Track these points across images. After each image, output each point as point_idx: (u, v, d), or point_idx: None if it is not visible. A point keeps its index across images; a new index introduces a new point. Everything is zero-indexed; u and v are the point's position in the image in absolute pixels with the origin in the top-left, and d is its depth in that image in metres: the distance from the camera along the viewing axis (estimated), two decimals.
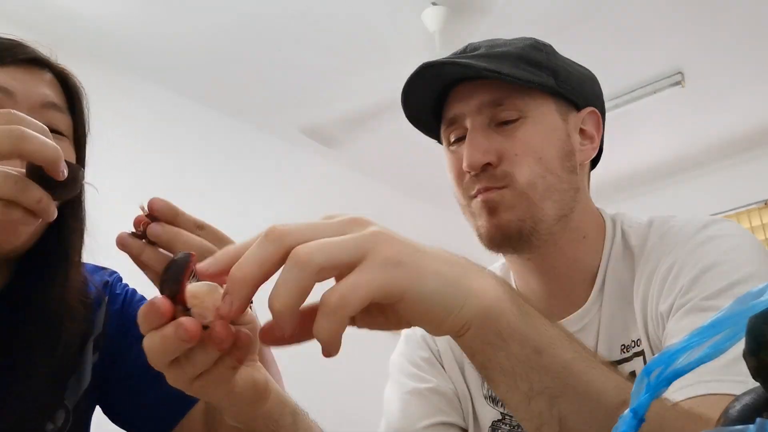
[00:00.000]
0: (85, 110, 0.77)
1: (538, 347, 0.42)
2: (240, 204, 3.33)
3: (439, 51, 2.63)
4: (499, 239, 0.74)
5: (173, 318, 0.40)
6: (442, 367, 0.85)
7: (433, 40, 2.68)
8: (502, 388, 0.44)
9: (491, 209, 0.74)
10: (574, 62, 0.82)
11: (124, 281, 0.85)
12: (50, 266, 0.71)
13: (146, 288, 0.90)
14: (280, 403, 0.56)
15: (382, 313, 0.41)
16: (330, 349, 0.37)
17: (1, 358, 0.67)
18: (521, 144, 0.74)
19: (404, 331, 0.92)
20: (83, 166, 0.77)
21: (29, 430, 0.68)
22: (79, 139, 0.75)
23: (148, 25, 2.74)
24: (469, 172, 0.75)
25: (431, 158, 3.24)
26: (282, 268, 0.36)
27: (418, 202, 4.42)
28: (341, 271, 0.37)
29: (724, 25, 2.92)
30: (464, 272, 0.42)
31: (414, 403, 0.82)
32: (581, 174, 0.80)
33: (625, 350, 0.74)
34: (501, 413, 0.80)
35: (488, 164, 0.73)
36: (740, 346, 0.25)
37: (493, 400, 0.81)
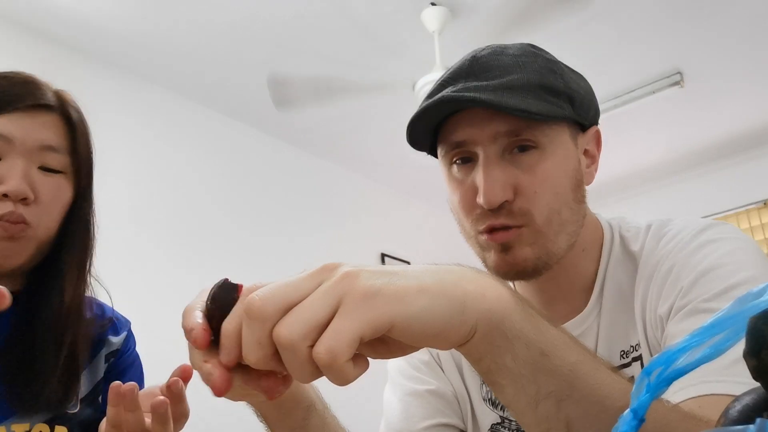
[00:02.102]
0: (91, 147, 0.86)
1: (544, 349, 0.42)
2: (239, 205, 3.33)
3: (439, 51, 2.64)
4: (512, 275, 0.73)
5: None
6: (441, 369, 0.85)
7: (433, 40, 2.69)
8: (508, 392, 0.43)
9: (505, 247, 0.71)
10: (574, 73, 0.78)
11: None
12: (56, 277, 0.83)
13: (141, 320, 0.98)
14: (294, 397, 0.56)
15: (384, 342, 0.40)
16: (358, 376, 0.38)
17: (19, 357, 0.78)
18: (540, 180, 0.70)
19: None
20: (87, 197, 0.87)
21: (48, 417, 0.79)
22: (79, 174, 0.84)
23: (146, 25, 2.74)
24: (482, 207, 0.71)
25: (429, 159, 3.23)
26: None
27: (421, 203, 4.42)
28: (327, 324, 0.36)
29: (723, 26, 2.92)
30: (456, 279, 0.40)
31: (413, 404, 0.82)
32: (585, 197, 0.78)
33: (624, 356, 0.74)
34: (500, 416, 0.80)
35: (505, 200, 0.70)
36: (742, 346, 0.25)
37: (493, 403, 0.81)
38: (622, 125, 3.63)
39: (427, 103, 0.71)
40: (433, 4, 2.67)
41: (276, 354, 0.37)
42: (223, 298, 0.41)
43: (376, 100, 3.04)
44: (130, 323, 0.97)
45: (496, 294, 0.41)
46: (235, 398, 0.50)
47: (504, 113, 0.69)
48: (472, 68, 0.73)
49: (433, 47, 2.66)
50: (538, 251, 0.71)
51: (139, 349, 0.96)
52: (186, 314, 0.42)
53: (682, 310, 0.65)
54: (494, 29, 2.77)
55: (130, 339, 0.94)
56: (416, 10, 2.69)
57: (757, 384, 0.25)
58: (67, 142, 0.82)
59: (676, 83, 3.27)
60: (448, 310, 0.38)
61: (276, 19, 2.72)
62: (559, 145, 0.72)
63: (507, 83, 0.70)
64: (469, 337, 0.40)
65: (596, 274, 0.77)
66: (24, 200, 0.76)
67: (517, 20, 2.74)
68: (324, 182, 3.86)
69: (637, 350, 0.73)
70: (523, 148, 0.71)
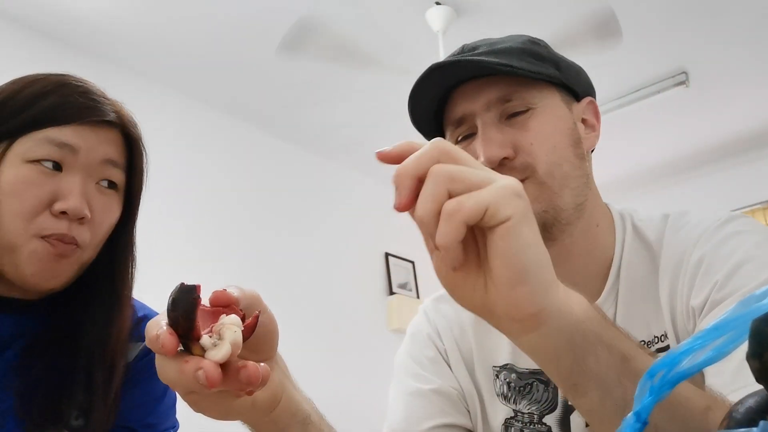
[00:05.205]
0: (144, 167, 0.87)
1: (625, 354, 0.42)
2: (239, 206, 3.34)
3: (443, 51, 2.63)
4: None
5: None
6: (449, 366, 0.85)
7: (437, 39, 2.68)
8: (592, 397, 0.43)
9: None
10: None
11: None
12: (103, 303, 0.82)
13: None
14: (289, 410, 0.55)
15: (474, 260, 0.44)
16: (450, 258, 0.41)
17: (39, 375, 0.76)
18: (535, 134, 0.75)
19: (410, 329, 0.91)
20: (133, 215, 0.87)
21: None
22: (132, 192, 0.85)
23: (153, 26, 2.74)
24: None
25: None
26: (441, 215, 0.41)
27: None
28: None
29: (729, 25, 2.91)
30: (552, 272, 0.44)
31: (416, 404, 0.82)
32: (588, 162, 0.81)
33: (645, 347, 0.74)
34: (513, 410, 0.80)
35: (505, 158, 0.74)
36: (746, 349, 0.25)
37: (505, 397, 0.81)
38: (626, 125, 3.62)
39: (419, 76, 0.77)
40: (437, 3, 2.67)
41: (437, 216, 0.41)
42: (184, 301, 0.41)
43: (377, 99, 3.03)
44: None
45: (578, 299, 0.44)
46: (229, 417, 0.50)
47: (493, 82, 0.76)
48: (462, 51, 0.80)
49: (438, 47, 2.66)
50: (544, 205, 0.74)
51: None
52: (149, 327, 0.42)
53: (720, 304, 0.66)
54: (498, 28, 2.77)
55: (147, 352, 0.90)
56: (420, 10, 2.69)
57: (761, 386, 0.25)
58: (125, 158, 0.83)
59: (682, 83, 3.26)
60: (537, 274, 0.41)
61: (277, 23, 2.72)
62: (551, 106, 0.77)
63: (490, 50, 0.77)
64: (535, 326, 0.42)
65: (611, 261, 0.78)
66: (80, 219, 0.76)
67: (520, 18, 2.74)
68: (330, 183, 3.86)
69: (663, 341, 0.73)
70: (516, 114, 0.76)
